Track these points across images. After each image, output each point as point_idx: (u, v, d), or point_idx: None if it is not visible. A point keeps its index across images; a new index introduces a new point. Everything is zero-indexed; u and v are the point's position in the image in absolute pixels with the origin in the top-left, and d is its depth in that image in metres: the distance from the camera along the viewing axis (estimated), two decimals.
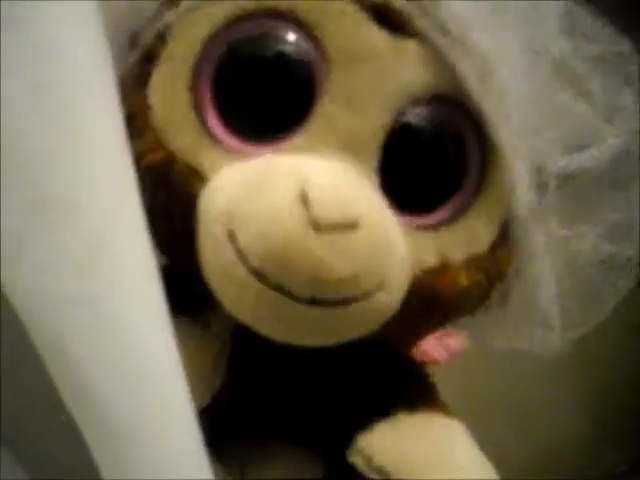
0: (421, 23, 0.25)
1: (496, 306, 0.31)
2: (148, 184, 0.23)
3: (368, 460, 0.27)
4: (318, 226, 0.22)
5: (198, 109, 0.26)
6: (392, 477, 0.26)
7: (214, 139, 0.26)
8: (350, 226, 0.23)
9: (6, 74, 0.20)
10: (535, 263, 0.30)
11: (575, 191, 0.29)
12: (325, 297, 0.23)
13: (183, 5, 0.26)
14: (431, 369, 0.32)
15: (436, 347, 0.35)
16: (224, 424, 0.28)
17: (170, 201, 0.26)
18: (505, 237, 0.28)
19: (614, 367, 0.71)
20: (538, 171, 0.28)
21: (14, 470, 0.23)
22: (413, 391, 0.29)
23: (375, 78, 0.25)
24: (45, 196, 0.20)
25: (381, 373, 0.30)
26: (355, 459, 0.27)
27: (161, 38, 0.27)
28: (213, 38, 0.26)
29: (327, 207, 0.22)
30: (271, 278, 0.23)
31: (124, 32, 0.28)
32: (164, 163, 0.26)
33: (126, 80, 0.27)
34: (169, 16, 0.27)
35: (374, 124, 0.25)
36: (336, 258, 0.22)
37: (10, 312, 0.20)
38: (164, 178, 0.26)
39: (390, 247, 0.24)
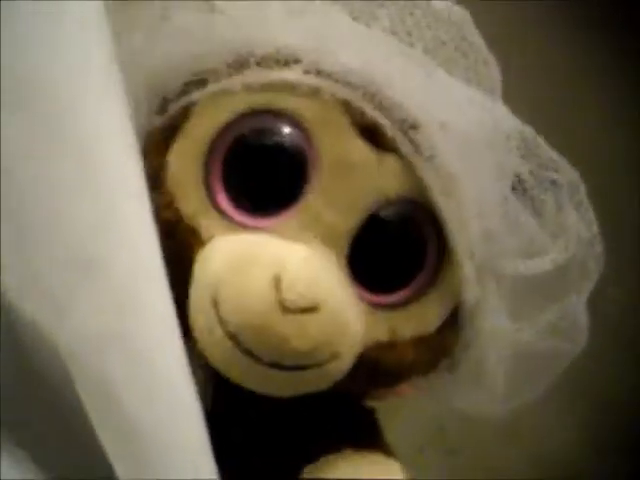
0: (400, 143, 0.30)
1: (447, 372, 0.36)
2: (162, 233, 0.29)
3: None
4: (285, 308, 0.27)
5: (207, 182, 0.31)
6: None
7: (217, 209, 0.31)
8: (312, 309, 0.28)
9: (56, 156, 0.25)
10: (479, 344, 0.34)
11: (521, 291, 0.34)
12: (284, 363, 0.28)
13: (209, 88, 0.31)
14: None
15: None
16: None
17: (175, 254, 0.31)
18: (454, 321, 0.33)
19: (610, 382, 0.72)
20: (490, 270, 0.33)
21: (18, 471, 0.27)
22: (360, 432, 0.34)
23: (358, 184, 0.30)
24: (92, 257, 0.25)
25: (331, 416, 0.34)
26: None
27: (185, 112, 0.32)
28: (229, 125, 0.31)
29: (294, 292, 0.28)
30: (243, 343, 0.28)
31: (156, 96, 0.33)
32: (173, 222, 0.31)
33: (151, 140, 0.32)
34: (195, 95, 0.31)
35: (351, 222, 0.30)
36: (297, 335, 0.28)
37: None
38: (172, 234, 0.31)
39: (345, 327, 0.29)
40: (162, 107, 0.33)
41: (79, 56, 0.26)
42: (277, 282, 0.28)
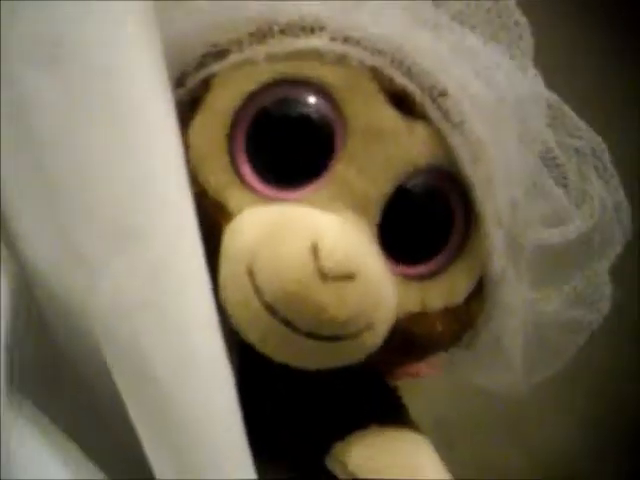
0: (429, 109, 0.30)
1: (466, 348, 0.36)
2: None
3: (343, 466, 0.31)
4: (324, 276, 0.27)
5: (231, 154, 0.30)
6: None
7: (243, 182, 0.30)
8: (349, 277, 0.27)
9: (87, 116, 0.24)
10: (503, 317, 0.34)
11: (544, 260, 0.34)
12: (322, 333, 0.28)
13: (230, 59, 0.30)
14: (433, 379, 0.36)
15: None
16: None
17: (200, 228, 0.30)
18: (479, 291, 0.33)
19: (615, 377, 0.74)
20: (514, 239, 0.33)
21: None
22: (386, 409, 0.34)
23: (387, 152, 0.30)
24: (127, 226, 0.25)
25: (359, 393, 0.34)
26: (332, 465, 0.32)
27: (205, 85, 0.31)
28: (253, 95, 0.30)
29: (333, 260, 0.27)
30: (280, 313, 0.28)
31: (173, 69, 0.31)
32: (197, 196, 0.30)
33: None
34: (215, 67, 0.31)
35: (381, 190, 0.30)
36: (335, 304, 0.27)
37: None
38: (197, 208, 0.30)
39: (380, 296, 0.29)
40: (180, 81, 0.32)
41: (115, 22, 0.25)
42: (315, 250, 0.27)
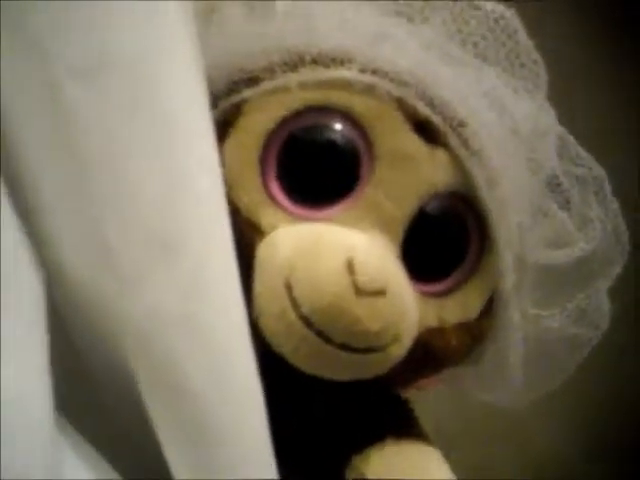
0: (449, 138, 0.32)
1: (472, 363, 0.38)
2: None
3: (362, 476, 0.33)
4: (359, 291, 0.29)
5: (263, 176, 0.32)
6: None
7: (274, 202, 0.32)
8: (381, 292, 0.29)
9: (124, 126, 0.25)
10: (509, 333, 0.36)
11: (549, 280, 0.36)
12: (355, 345, 0.30)
13: (263, 86, 0.32)
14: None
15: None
16: None
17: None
18: (489, 308, 0.35)
19: (612, 382, 0.76)
20: (521, 260, 0.35)
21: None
22: (400, 423, 0.36)
23: (412, 176, 0.32)
24: (163, 234, 0.25)
25: (375, 408, 0.36)
26: (351, 475, 0.33)
27: (238, 108, 0.32)
28: (285, 120, 0.32)
29: (367, 275, 0.29)
30: (315, 325, 0.29)
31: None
32: (230, 213, 0.32)
33: None
34: (247, 92, 0.32)
35: (405, 211, 0.32)
36: (369, 316, 0.29)
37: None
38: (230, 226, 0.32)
39: (405, 310, 0.31)
40: (212, 103, 0.33)
41: (159, 32, 0.25)
42: (350, 265, 0.29)
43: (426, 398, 0.41)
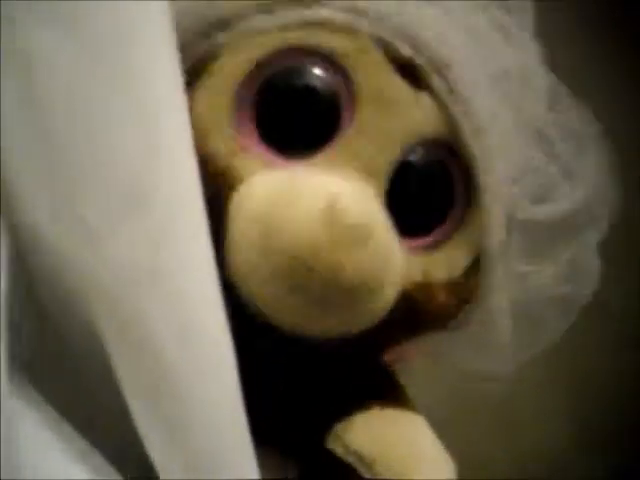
0: (435, 81, 0.30)
1: (458, 327, 0.36)
2: None
3: (346, 446, 0.31)
4: (340, 239, 0.27)
5: (238, 122, 0.30)
6: (366, 460, 0.31)
7: (250, 150, 0.30)
8: (364, 240, 0.27)
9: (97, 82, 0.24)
10: (496, 293, 0.35)
11: (536, 236, 0.35)
12: (335, 297, 0.28)
13: (237, 29, 0.31)
14: (420, 373, 0.36)
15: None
16: None
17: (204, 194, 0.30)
18: (476, 267, 0.34)
19: (599, 374, 0.74)
20: (508, 215, 0.34)
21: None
22: (384, 389, 0.34)
23: (396, 120, 0.30)
24: (131, 193, 0.24)
25: (358, 373, 0.34)
26: (334, 445, 0.31)
27: (210, 54, 0.31)
28: (260, 63, 0.30)
29: (347, 223, 0.27)
30: (294, 276, 0.27)
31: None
32: (201, 162, 0.29)
33: None
34: (221, 37, 0.31)
35: (389, 157, 0.30)
36: (352, 266, 0.27)
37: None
38: (202, 177, 0.30)
39: (390, 260, 0.29)
40: (182, 52, 0.32)
41: None
42: (330, 212, 0.27)
43: (413, 385, 0.40)
